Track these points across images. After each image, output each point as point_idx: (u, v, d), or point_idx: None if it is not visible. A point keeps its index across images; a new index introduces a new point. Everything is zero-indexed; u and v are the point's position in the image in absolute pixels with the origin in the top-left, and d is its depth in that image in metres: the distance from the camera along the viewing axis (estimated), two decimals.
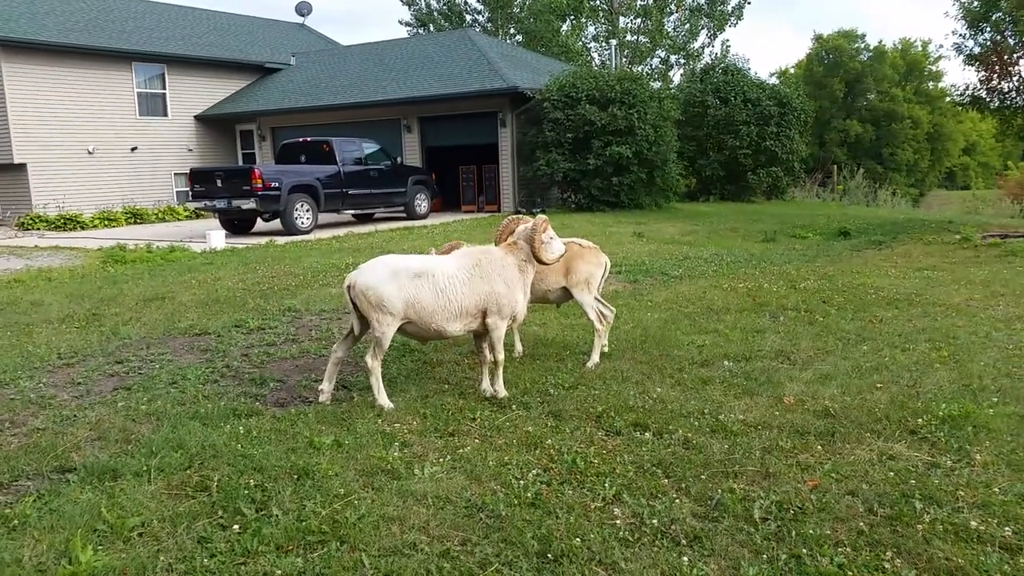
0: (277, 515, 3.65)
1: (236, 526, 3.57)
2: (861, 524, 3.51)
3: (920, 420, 4.69)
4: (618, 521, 3.59)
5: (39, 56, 21.25)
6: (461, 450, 4.43)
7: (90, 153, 22.60)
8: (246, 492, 3.88)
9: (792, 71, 58.84)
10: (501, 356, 5.40)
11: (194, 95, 25.28)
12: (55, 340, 7.33)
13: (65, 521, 3.61)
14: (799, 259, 11.86)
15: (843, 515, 3.59)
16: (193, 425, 4.82)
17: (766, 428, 4.66)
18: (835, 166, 36.29)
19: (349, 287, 5.17)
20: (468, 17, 43.31)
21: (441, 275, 5.17)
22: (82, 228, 20.70)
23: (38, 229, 20.35)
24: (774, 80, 34.17)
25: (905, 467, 4.07)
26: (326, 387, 5.38)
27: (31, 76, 21.19)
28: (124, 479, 4.07)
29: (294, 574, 3.18)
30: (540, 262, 5.49)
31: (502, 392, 5.37)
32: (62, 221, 20.71)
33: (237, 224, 17.79)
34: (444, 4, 43.71)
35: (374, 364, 5.17)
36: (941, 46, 73.79)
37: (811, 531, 3.44)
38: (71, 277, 11.32)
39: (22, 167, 21.35)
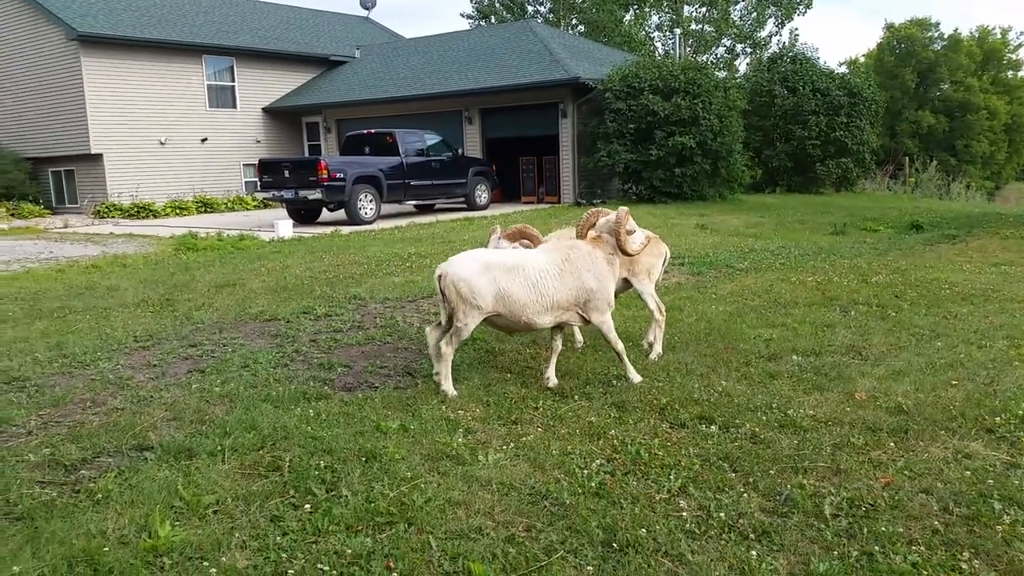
0: (346, 496, 3.72)
1: (307, 506, 3.66)
2: (936, 523, 3.41)
3: (998, 419, 4.53)
4: (684, 513, 3.56)
5: (115, 50, 21.99)
6: (524, 438, 4.45)
7: (162, 144, 23.30)
8: (316, 473, 3.97)
9: (862, 60, 57.17)
10: (620, 346, 5.48)
11: (261, 87, 25.84)
12: (131, 324, 7.59)
13: (144, 497, 3.75)
14: (870, 252, 11.55)
15: (917, 513, 3.50)
16: (265, 407, 4.94)
17: (837, 424, 4.56)
18: (907, 158, 35.22)
19: (440, 277, 5.22)
20: (530, 8, 43.25)
21: (532, 269, 5.21)
22: (154, 216, 21.40)
23: (113, 217, 21.11)
24: (844, 69, 33.28)
25: (982, 466, 3.94)
26: (442, 370, 5.35)
27: (108, 70, 21.95)
28: (199, 458, 4.20)
29: (364, 553, 3.24)
30: (625, 254, 5.48)
31: (636, 377, 5.44)
32: (136, 209, 21.44)
33: (304, 214, 18.14)
34: None
35: (447, 351, 5.22)
36: (1023, 33, 70.70)
37: (883, 529, 3.36)
38: (145, 263, 11.71)
39: (99, 157, 22.15)
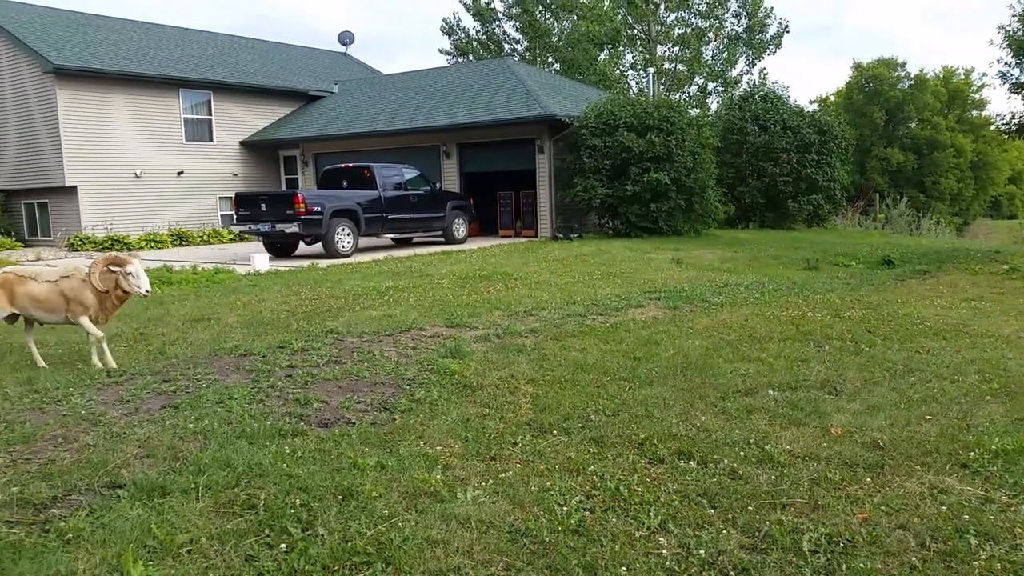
0: (323, 535, 3.67)
1: (283, 545, 3.60)
2: (913, 559, 3.43)
3: (972, 453, 4.58)
4: (664, 551, 3.55)
5: (91, 83, 21.94)
6: (503, 475, 4.43)
7: (137, 177, 23.18)
8: (292, 511, 3.91)
9: (832, 99, 58.45)
10: None
11: (239, 121, 25.86)
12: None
13: (116, 536, 3.67)
14: (842, 288, 11.70)
15: (895, 549, 3.52)
16: (240, 444, 4.87)
17: (814, 459, 4.58)
18: (877, 194, 35.89)
19: None
20: (507, 46, 43.82)
21: None
22: (129, 250, 21.17)
23: (87, 250, 20.88)
24: (813, 108, 34.00)
25: (958, 501, 3.97)
26: None
27: (83, 102, 21.88)
28: (173, 496, 4.13)
29: None
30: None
31: None
32: (110, 243, 21.24)
33: (280, 247, 18.09)
34: (483, 34, 44.29)
35: None
36: (984, 74, 72.70)
37: (862, 565, 3.37)
38: None
39: (73, 190, 21.98)
